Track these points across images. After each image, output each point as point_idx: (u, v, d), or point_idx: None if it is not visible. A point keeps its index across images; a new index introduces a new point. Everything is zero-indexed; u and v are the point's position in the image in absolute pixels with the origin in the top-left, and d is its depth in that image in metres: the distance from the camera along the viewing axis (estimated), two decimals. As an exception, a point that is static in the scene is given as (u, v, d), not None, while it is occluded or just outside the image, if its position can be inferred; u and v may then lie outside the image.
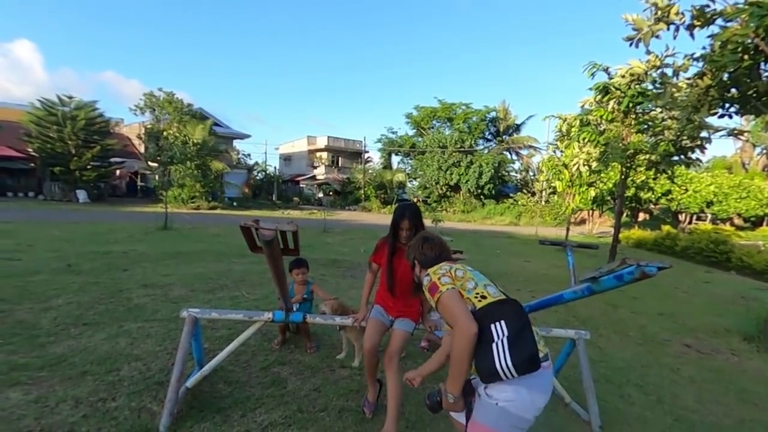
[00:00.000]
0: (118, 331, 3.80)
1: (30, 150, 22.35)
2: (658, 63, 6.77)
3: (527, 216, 30.77)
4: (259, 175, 40.27)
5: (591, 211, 24.87)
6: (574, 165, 12.02)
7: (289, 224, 2.03)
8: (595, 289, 2.45)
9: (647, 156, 9.50)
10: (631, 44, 5.54)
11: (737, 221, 28.37)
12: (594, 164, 11.42)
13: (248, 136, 36.86)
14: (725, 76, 4.87)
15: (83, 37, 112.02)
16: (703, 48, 5.03)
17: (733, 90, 5.06)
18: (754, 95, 4.87)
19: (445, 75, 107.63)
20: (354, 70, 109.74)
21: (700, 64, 5.18)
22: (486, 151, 36.20)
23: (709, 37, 4.77)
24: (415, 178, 39.20)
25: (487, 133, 37.72)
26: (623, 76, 8.22)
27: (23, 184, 24.29)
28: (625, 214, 23.93)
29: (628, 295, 7.10)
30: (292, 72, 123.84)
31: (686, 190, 26.32)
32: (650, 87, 8.22)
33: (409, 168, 40.00)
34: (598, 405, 2.83)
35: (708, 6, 4.73)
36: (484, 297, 1.67)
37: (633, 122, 9.70)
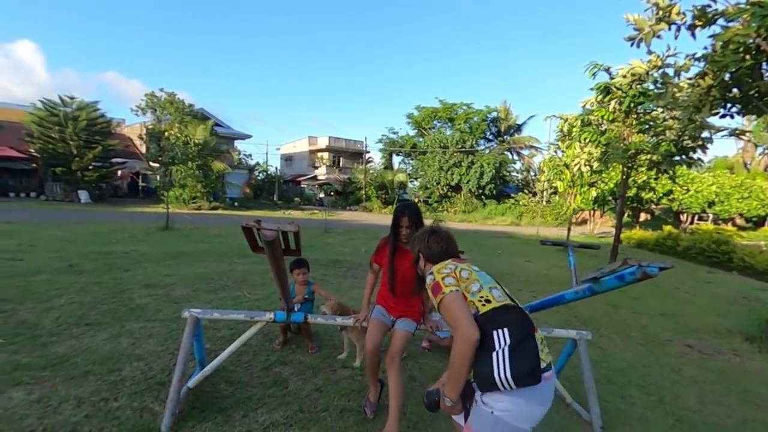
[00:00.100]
0: (120, 331, 3.80)
1: (32, 150, 22.40)
2: (659, 63, 6.77)
3: (528, 216, 30.74)
4: (261, 175, 40.32)
5: (592, 212, 24.84)
6: (576, 165, 12.02)
7: (291, 224, 2.04)
8: (596, 290, 2.45)
9: (648, 156, 9.49)
10: (632, 44, 5.54)
11: (739, 221, 28.31)
12: (595, 164, 11.42)
13: (249, 137, 36.93)
14: (727, 76, 4.86)
15: (84, 37, 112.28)
16: (705, 48, 5.03)
17: (735, 90, 5.05)
18: (756, 95, 4.86)
19: (446, 75, 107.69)
20: (355, 70, 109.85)
21: (702, 64, 5.17)
22: (487, 151, 36.17)
23: (710, 37, 4.76)
24: (416, 179, 39.18)
25: (488, 134, 37.69)
26: (624, 76, 8.21)
27: (25, 185, 24.35)
28: (626, 215, 23.88)
29: (629, 296, 7.09)
30: (292, 72, 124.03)
31: (688, 190, 26.26)
32: (651, 87, 8.21)
33: (410, 168, 39.99)
34: (600, 405, 2.83)
35: (709, 6, 4.73)
36: (488, 301, 1.61)
37: (634, 122, 9.70)
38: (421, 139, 38.14)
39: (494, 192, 34.66)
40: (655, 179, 16.85)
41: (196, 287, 5.59)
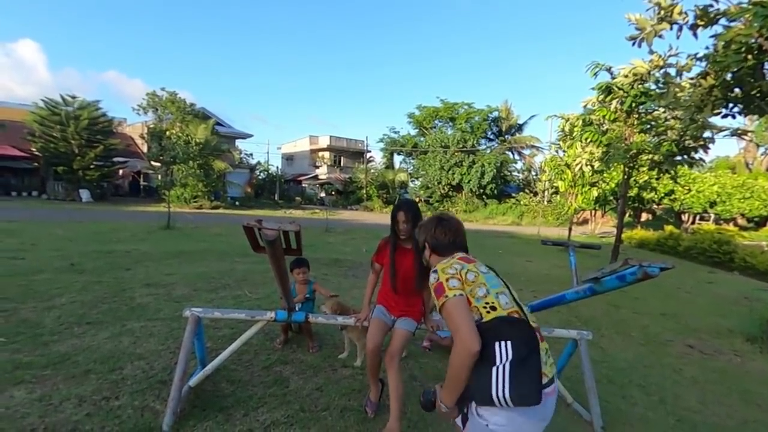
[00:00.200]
0: (121, 330, 3.81)
1: (33, 149, 22.45)
2: (661, 63, 6.77)
3: (529, 216, 30.71)
4: (262, 174, 40.34)
5: (593, 211, 24.79)
6: (577, 165, 12.03)
7: (292, 224, 2.04)
8: (597, 290, 2.45)
9: (650, 156, 9.47)
10: (634, 44, 5.54)
11: (741, 221, 28.24)
12: (596, 164, 11.42)
13: (250, 136, 36.98)
14: (729, 76, 4.85)
15: (86, 36, 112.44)
16: (707, 48, 5.02)
17: (737, 90, 5.04)
18: (758, 95, 4.85)
19: (447, 74, 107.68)
20: (356, 70, 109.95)
21: (704, 63, 5.17)
22: (488, 150, 36.13)
23: (712, 36, 4.76)
24: (417, 178, 39.16)
25: (489, 133, 37.65)
26: (626, 76, 8.21)
27: (27, 184, 24.41)
28: (627, 214, 23.85)
29: (630, 296, 7.08)
30: (293, 71, 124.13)
31: (689, 190, 26.22)
32: (653, 87, 8.21)
33: (412, 168, 39.97)
34: (600, 405, 2.82)
35: (711, 6, 4.72)
36: (494, 308, 1.50)
37: (636, 122, 9.69)
38: (422, 139, 38.11)
39: (495, 192, 34.63)
40: (657, 179, 16.84)
41: (197, 286, 5.60)
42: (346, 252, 10.15)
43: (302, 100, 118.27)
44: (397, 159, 42.91)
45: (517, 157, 38.73)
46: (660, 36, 5.37)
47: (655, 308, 6.70)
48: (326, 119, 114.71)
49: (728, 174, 28.41)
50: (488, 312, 1.49)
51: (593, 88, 9.81)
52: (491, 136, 38.05)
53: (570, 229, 16.41)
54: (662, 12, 5.18)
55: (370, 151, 44.63)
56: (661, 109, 8.87)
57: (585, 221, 29.00)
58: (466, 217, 31.91)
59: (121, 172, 28.24)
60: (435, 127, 37.88)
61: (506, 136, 37.74)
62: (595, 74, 9.12)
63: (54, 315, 4.05)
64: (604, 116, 10.21)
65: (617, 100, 9.33)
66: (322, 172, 42.97)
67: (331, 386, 3.08)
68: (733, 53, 4.40)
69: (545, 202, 31.73)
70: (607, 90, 9.41)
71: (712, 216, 27.80)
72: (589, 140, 10.80)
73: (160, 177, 26.70)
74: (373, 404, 2.76)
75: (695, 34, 4.99)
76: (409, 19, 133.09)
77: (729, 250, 14.18)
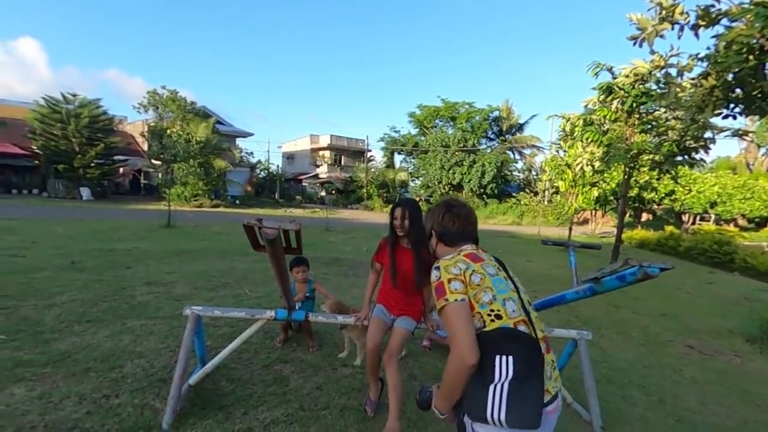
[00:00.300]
0: (121, 328, 3.82)
1: (34, 147, 22.45)
2: (662, 63, 6.76)
3: (530, 216, 30.70)
4: (262, 173, 40.35)
5: (594, 211, 24.79)
6: (578, 165, 12.01)
7: (292, 223, 2.03)
8: (597, 290, 2.45)
9: (651, 156, 9.47)
10: (635, 44, 5.52)
11: (741, 222, 28.23)
12: (597, 164, 11.40)
13: (251, 135, 37.00)
14: (730, 77, 4.85)
15: (86, 34, 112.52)
16: (708, 48, 5.01)
17: (738, 90, 5.03)
18: (759, 96, 4.84)
19: (447, 73, 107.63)
20: (356, 68, 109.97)
21: (705, 64, 5.16)
22: (489, 150, 36.14)
23: (713, 37, 4.75)
24: (417, 177, 39.18)
25: (490, 133, 37.68)
26: (627, 76, 8.21)
27: (27, 182, 24.42)
28: (628, 215, 23.83)
29: (630, 296, 7.08)
30: (294, 69, 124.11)
31: (690, 190, 26.22)
32: (654, 87, 8.20)
33: (412, 167, 39.99)
34: (600, 405, 2.83)
35: (713, 6, 4.71)
36: (499, 316, 1.37)
37: (636, 122, 9.68)
38: (422, 138, 38.12)
39: (496, 191, 34.63)
40: (657, 179, 16.84)
41: (197, 285, 5.60)
42: (347, 251, 10.15)
43: (303, 98, 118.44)
44: (398, 158, 42.96)
45: (517, 156, 38.78)
46: (661, 36, 5.35)
47: (655, 308, 6.70)
48: (327, 118, 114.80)
49: (729, 174, 28.41)
50: (492, 320, 1.36)
51: (594, 88, 9.81)
52: (492, 136, 38.08)
53: (570, 229, 16.41)
54: (664, 12, 5.17)
55: (370, 150, 44.70)
56: (662, 110, 8.86)
57: (585, 221, 28.99)
58: (466, 217, 31.84)
59: (121, 170, 28.27)
60: (436, 127, 37.90)
61: (507, 136, 37.74)
62: (596, 74, 9.11)
63: (54, 313, 4.06)
64: (604, 116, 10.19)
65: (618, 100, 9.32)
66: (323, 171, 42.98)
67: (330, 385, 3.09)
68: (735, 54, 4.39)
69: (546, 202, 31.72)
70: (608, 90, 9.40)
71: (713, 216, 27.79)
72: (589, 140, 10.79)
73: (160, 175, 26.70)
74: (373, 403, 2.77)
75: (696, 35, 4.98)
76: (409, 17, 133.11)
77: (729, 250, 14.18)
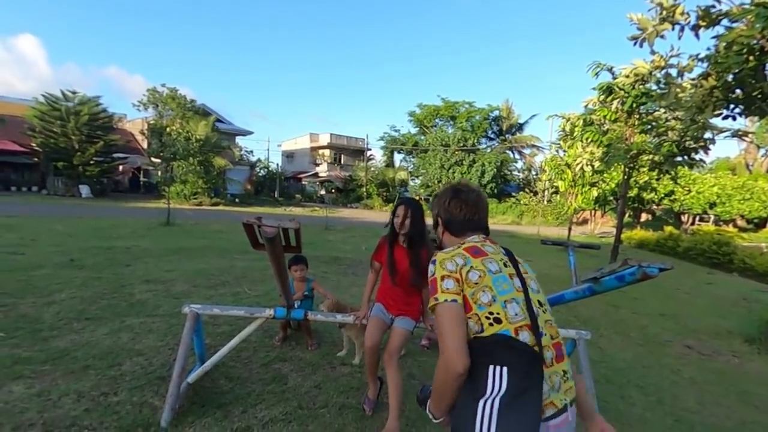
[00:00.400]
0: (120, 326, 3.81)
1: (33, 145, 22.42)
2: (662, 63, 6.76)
3: (529, 215, 30.74)
4: (262, 171, 40.32)
5: (593, 212, 24.82)
6: (577, 165, 12.02)
7: (292, 221, 2.03)
8: (596, 290, 2.45)
9: (650, 156, 9.48)
10: (635, 44, 5.53)
11: (740, 223, 28.29)
12: (597, 164, 11.41)
13: (251, 133, 36.97)
14: (730, 77, 4.86)
15: (86, 31, 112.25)
16: (708, 49, 5.02)
17: (738, 91, 5.04)
18: (759, 96, 4.85)
19: (448, 73, 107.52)
20: (356, 67, 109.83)
21: (705, 64, 5.17)
22: (488, 150, 36.18)
23: (714, 37, 4.76)
24: (417, 177, 39.19)
25: (489, 132, 37.72)
26: (627, 76, 8.21)
27: (27, 179, 24.39)
28: (627, 215, 23.86)
29: (629, 296, 7.09)
30: (294, 68, 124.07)
31: (689, 191, 26.25)
32: (654, 87, 8.20)
33: (412, 166, 40.01)
34: (599, 405, 2.83)
35: (713, 6, 4.71)
36: (498, 320, 1.21)
37: (636, 122, 9.68)
38: (422, 137, 38.14)
39: (495, 191, 34.65)
40: (657, 180, 16.87)
41: (196, 283, 5.60)
42: (346, 250, 10.15)
43: (303, 97, 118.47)
44: (398, 157, 42.99)
45: (517, 156, 38.83)
46: (662, 36, 5.36)
47: (654, 309, 6.71)
48: (327, 117, 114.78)
49: (728, 175, 28.47)
50: (491, 324, 1.21)
51: (594, 88, 9.82)
52: (492, 135, 38.11)
53: (569, 229, 16.43)
54: (664, 12, 5.17)
55: (370, 149, 44.68)
56: (662, 110, 8.87)
57: (585, 221, 29.02)
58: (465, 216, 31.85)
59: (121, 168, 28.23)
60: (435, 126, 37.91)
61: (507, 136, 37.76)
62: (597, 74, 9.12)
63: (53, 310, 4.05)
64: (604, 116, 10.20)
65: (618, 100, 9.33)
66: (323, 169, 42.96)
67: (329, 384, 3.09)
68: (735, 54, 4.39)
69: (545, 202, 31.76)
70: (608, 90, 9.41)
71: (712, 217, 27.84)
72: (589, 140, 10.79)
73: (160, 173, 26.70)
74: (371, 402, 2.77)
75: (697, 35, 4.98)
76: (409, 16, 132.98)
77: (728, 251, 14.21)
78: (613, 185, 18.22)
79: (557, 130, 14.42)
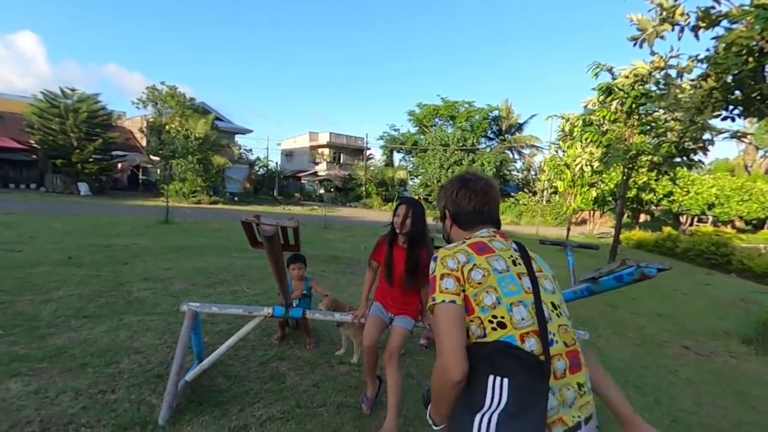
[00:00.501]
0: (118, 324, 3.81)
1: (32, 142, 22.36)
2: (662, 64, 6.76)
3: (528, 215, 30.77)
4: (261, 170, 40.28)
5: (592, 212, 24.85)
6: (577, 165, 12.03)
7: (290, 220, 2.03)
8: (594, 290, 2.45)
9: (649, 157, 9.49)
10: (635, 44, 5.52)
11: (739, 224, 28.36)
12: (596, 165, 11.42)
13: (250, 131, 36.92)
14: (729, 78, 4.86)
15: (86, 29, 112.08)
16: (708, 50, 5.03)
17: (737, 92, 5.05)
18: (758, 98, 4.86)
19: (447, 72, 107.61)
20: (356, 66, 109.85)
21: (704, 65, 5.17)
22: (488, 149, 36.18)
23: (713, 38, 4.76)
24: (416, 176, 39.19)
25: (489, 132, 37.71)
26: (627, 77, 8.22)
27: (25, 176, 24.34)
28: (626, 215, 23.89)
29: (627, 296, 7.10)
30: (294, 67, 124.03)
31: (688, 192, 26.31)
32: (654, 88, 8.21)
33: (411, 165, 40.01)
34: (596, 405, 2.83)
35: (713, 7, 4.72)
36: (502, 325, 1.10)
37: (636, 123, 9.70)
38: (422, 137, 38.14)
39: (494, 191, 34.62)
40: (656, 180, 16.88)
41: (194, 281, 5.59)
42: (345, 249, 10.15)
43: (302, 96, 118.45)
44: (397, 156, 42.98)
45: (516, 156, 38.84)
46: (661, 37, 5.35)
47: (652, 309, 6.72)
48: (326, 116, 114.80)
49: (727, 176, 28.53)
50: (494, 329, 1.11)
51: (594, 89, 9.84)
52: (491, 135, 38.11)
53: (568, 229, 16.45)
54: (664, 13, 5.17)
55: (369, 149, 44.65)
56: (661, 111, 8.87)
57: (583, 221, 29.06)
58: (464, 216, 31.85)
59: (119, 165, 28.16)
60: (435, 125, 37.91)
61: (506, 136, 37.77)
62: (596, 75, 9.13)
63: (51, 308, 4.05)
64: (604, 117, 10.22)
65: (617, 100, 9.35)
66: (322, 168, 42.93)
67: (327, 383, 3.09)
68: (734, 55, 4.40)
69: (544, 202, 31.79)
70: (608, 91, 9.43)
71: (710, 218, 27.91)
72: (589, 140, 10.81)
73: (158, 171, 26.65)
74: (370, 400, 2.77)
75: (697, 36, 4.98)
76: (409, 16, 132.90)
77: (726, 252, 14.25)
78: (612, 186, 18.23)
79: (556, 131, 14.46)
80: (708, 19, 4.76)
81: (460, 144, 34.23)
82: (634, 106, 9.17)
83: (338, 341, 3.79)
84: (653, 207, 28.96)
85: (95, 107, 23.50)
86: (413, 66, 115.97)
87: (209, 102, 31.63)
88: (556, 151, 16.54)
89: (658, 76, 7.34)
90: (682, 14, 5.05)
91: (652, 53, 6.12)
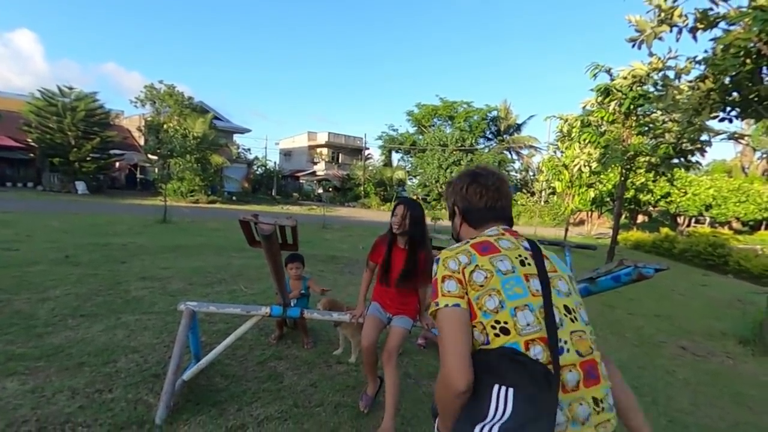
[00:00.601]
0: (115, 323, 3.80)
1: (29, 140, 22.31)
2: (660, 65, 6.76)
3: (526, 216, 30.83)
4: (259, 170, 40.24)
5: (590, 212, 24.91)
6: (575, 166, 12.04)
7: (288, 219, 2.03)
8: (592, 290, 2.45)
9: (647, 158, 9.51)
10: (633, 45, 5.54)
11: (736, 225, 28.46)
12: (594, 165, 11.44)
13: (248, 131, 36.87)
14: (727, 80, 4.88)
15: (84, 27, 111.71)
16: (706, 51, 5.03)
17: (735, 94, 5.07)
18: (756, 99, 4.87)
19: (446, 72, 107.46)
20: (355, 66, 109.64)
21: (702, 67, 5.18)
22: (486, 150, 36.25)
23: (711, 40, 4.77)
24: (415, 176, 39.25)
25: (487, 132, 37.80)
26: (625, 78, 8.21)
27: (22, 175, 24.26)
28: (623, 216, 23.96)
29: (625, 297, 7.11)
30: (293, 67, 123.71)
31: (685, 193, 26.40)
32: (652, 89, 8.23)
33: (410, 166, 40.07)
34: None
35: (711, 9, 4.73)
36: (505, 331, 1.03)
37: (634, 124, 9.72)
38: (420, 137, 38.19)
39: (493, 191, 34.68)
40: (653, 181, 16.90)
41: (192, 280, 5.58)
42: (343, 249, 10.15)
43: (301, 96, 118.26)
44: (395, 156, 43.02)
45: (515, 156, 38.93)
46: (660, 38, 5.37)
47: (650, 309, 6.74)
48: (325, 116, 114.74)
49: (724, 178, 28.63)
50: (497, 335, 1.03)
51: (592, 90, 9.85)
52: (490, 136, 38.19)
53: (566, 230, 16.49)
54: (662, 14, 5.18)
55: (368, 149, 44.71)
56: (659, 112, 8.89)
57: (581, 222, 29.12)
58: (463, 216, 31.90)
59: (117, 164, 28.12)
60: (434, 126, 37.96)
61: (504, 136, 37.85)
62: (595, 75, 9.13)
63: (48, 307, 4.03)
64: (602, 118, 10.23)
65: (616, 101, 9.36)
66: (320, 168, 42.92)
67: (325, 382, 3.08)
68: (732, 57, 4.41)
69: (542, 203, 31.86)
70: (606, 91, 9.44)
71: (708, 219, 28.00)
72: (587, 141, 10.83)
73: (156, 170, 26.59)
74: (369, 398, 2.76)
75: (695, 37, 4.99)
76: (408, 16, 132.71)
77: (723, 253, 14.31)
78: (610, 186, 18.28)
79: (555, 131, 14.44)
80: (706, 20, 4.77)
81: (459, 144, 34.29)
82: (632, 107, 9.19)
83: (336, 341, 3.78)
84: (651, 208, 29.08)
85: (93, 106, 23.44)
86: (412, 66, 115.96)
87: (209, 101, 31.66)
88: (555, 152, 16.56)
89: (656, 77, 7.35)
90: (680, 16, 5.06)
91: (651, 54, 6.14)
